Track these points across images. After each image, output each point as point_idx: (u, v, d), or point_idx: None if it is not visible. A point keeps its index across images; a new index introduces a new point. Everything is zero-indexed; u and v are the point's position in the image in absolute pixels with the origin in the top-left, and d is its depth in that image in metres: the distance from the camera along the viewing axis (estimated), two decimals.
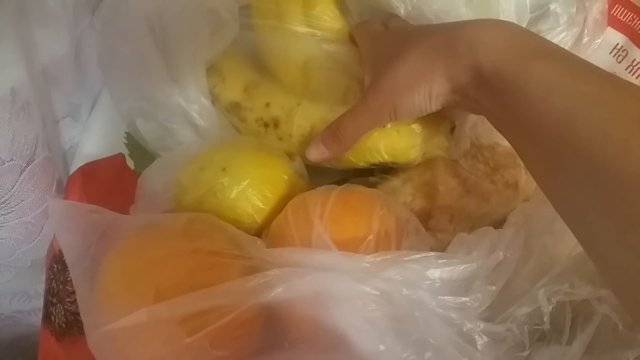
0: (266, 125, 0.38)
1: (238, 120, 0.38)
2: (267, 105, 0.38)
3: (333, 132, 0.34)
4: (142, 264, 0.27)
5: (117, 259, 0.27)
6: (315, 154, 0.34)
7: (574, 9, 0.34)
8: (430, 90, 0.30)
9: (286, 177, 0.34)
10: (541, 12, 0.35)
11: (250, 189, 0.32)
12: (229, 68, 0.39)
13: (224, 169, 0.32)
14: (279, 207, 0.32)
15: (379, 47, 0.35)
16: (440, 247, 0.36)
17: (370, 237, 0.29)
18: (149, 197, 0.32)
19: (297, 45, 0.39)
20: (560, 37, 0.36)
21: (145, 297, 0.25)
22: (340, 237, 0.29)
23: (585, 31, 0.36)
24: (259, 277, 0.26)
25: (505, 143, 0.40)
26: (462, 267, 0.28)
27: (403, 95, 0.31)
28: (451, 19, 0.35)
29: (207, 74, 0.38)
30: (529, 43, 0.27)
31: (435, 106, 0.31)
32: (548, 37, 0.36)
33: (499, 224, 0.36)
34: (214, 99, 0.38)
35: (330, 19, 0.41)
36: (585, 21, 0.35)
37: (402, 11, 0.37)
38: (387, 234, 0.30)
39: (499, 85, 0.27)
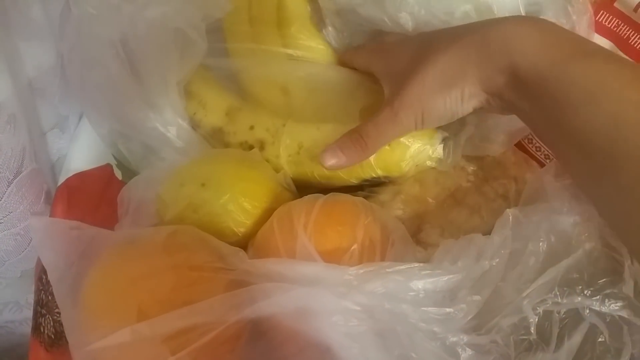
0: (251, 148, 0.38)
1: (222, 145, 0.38)
2: (251, 128, 0.38)
3: (354, 139, 0.33)
4: (123, 282, 0.27)
5: (98, 277, 0.27)
6: (331, 160, 0.33)
7: (564, 20, 0.34)
8: (463, 92, 0.29)
9: (269, 190, 0.34)
10: None
11: (231, 203, 0.32)
12: (208, 94, 0.39)
13: (203, 185, 0.32)
14: (263, 219, 0.32)
15: (397, 57, 0.34)
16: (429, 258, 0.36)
17: (355, 246, 0.29)
18: (132, 214, 0.32)
19: (276, 67, 0.39)
20: None
21: (128, 316, 0.25)
22: (325, 247, 0.29)
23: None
24: (242, 292, 0.26)
25: (493, 153, 0.40)
26: (446, 278, 0.28)
27: (433, 100, 0.30)
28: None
29: (187, 100, 0.38)
30: (569, 43, 0.26)
31: (467, 108, 0.30)
32: None
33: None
34: (196, 125, 0.38)
35: (307, 38, 0.41)
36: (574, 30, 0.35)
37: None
38: (371, 243, 0.30)
39: (538, 88, 0.26)
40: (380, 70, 0.35)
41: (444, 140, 0.36)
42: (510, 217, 0.30)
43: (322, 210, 0.30)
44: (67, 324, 0.27)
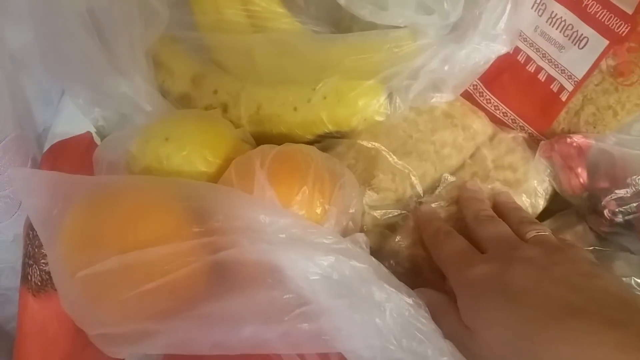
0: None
1: None
2: (215, 92, 0.41)
3: None
4: (105, 217, 0.29)
5: (80, 214, 0.30)
6: None
7: None
8: None
9: (229, 142, 0.37)
10: None
11: (193, 154, 0.35)
12: (175, 63, 0.43)
13: (166, 139, 0.35)
14: (223, 168, 0.35)
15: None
16: (382, 201, 0.40)
17: (305, 188, 0.32)
18: (105, 170, 0.36)
19: (239, 36, 0.42)
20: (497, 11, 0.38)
21: (111, 248, 0.28)
22: (278, 188, 0.32)
23: None
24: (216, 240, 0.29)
25: (440, 104, 0.43)
26: None
27: None
28: None
29: (156, 69, 0.42)
30: None
31: None
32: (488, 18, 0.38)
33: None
34: (165, 93, 0.42)
35: (268, 4, 0.44)
36: None
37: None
38: (321, 185, 0.33)
39: None
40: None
41: (390, 95, 0.39)
42: None
43: (276, 156, 0.34)
44: (52, 262, 0.30)
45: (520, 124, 0.43)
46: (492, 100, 0.44)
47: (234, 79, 0.42)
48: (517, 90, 0.42)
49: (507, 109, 0.43)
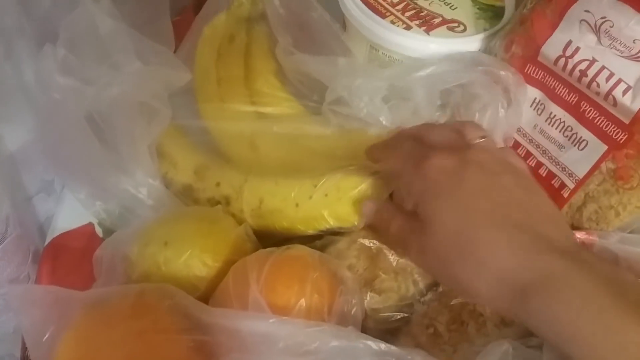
0: (218, 203, 0.41)
1: (192, 202, 0.42)
2: (218, 184, 0.41)
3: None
4: (93, 350, 0.30)
5: (69, 345, 0.30)
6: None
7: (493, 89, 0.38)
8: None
9: (230, 243, 0.37)
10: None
11: (192, 260, 0.35)
12: (178, 154, 0.43)
13: (165, 244, 0.35)
14: (224, 272, 0.35)
15: None
16: (385, 302, 0.39)
17: (302, 301, 0.32)
18: (104, 274, 0.36)
19: (244, 123, 0.43)
20: (490, 111, 0.39)
21: None
22: (275, 301, 0.32)
23: (511, 95, 0.39)
24: None
25: None
26: None
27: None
28: None
29: (159, 160, 0.42)
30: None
31: None
32: (482, 117, 0.39)
33: None
34: (168, 184, 0.42)
35: (272, 90, 0.45)
36: (506, 89, 0.39)
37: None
38: (319, 296, 0.33)
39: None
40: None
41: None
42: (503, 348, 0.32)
43: (273, 265, 0.33)
44: None
45: None
46: None
47: (237, 172, 0.42)
48: None
49: None
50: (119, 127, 0.38)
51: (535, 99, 0.40)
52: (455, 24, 0.42)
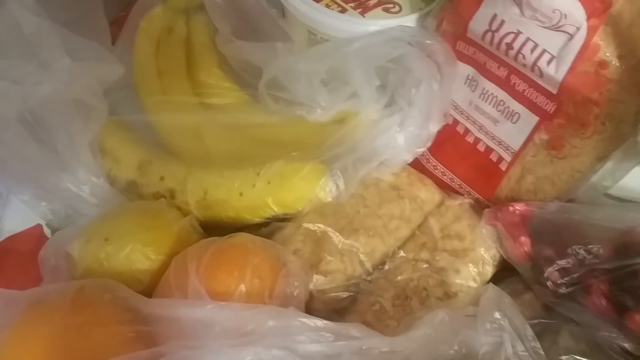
0: (164, 197, 0.41)
1: (137, 198, 0.42)
2: (162, 178, 0.41)
3: None
4: (33, 346, 0.30)
5: (9, 342, 0.30)
6: None
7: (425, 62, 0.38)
8: None
9: (173, 236, 0.37)
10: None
11: (134, 254, 0.35)
12: (121, 149, 0.43)
13: (106, 239, 0.36)
14: (167, 264, 0.35)
15: None
16: (331, 284, 0.40)
17: (242, 286, 0.33)
18: (49, 273, 0.36)
19: (187, 116, 0.43)
20: (424, 85, 0.40)
21: None
22: (215, 288, 0.32)
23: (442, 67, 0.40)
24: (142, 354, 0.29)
25: (387, 178, 0.44)
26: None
27: None
28: None
29: (102, 157, 0.42)
30: None
31: None
32: (417, 92, 0.39)
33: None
34: (112, 181, 0.42)
35: (216, 81, 0.45)
36: (437, 62, 0.40)
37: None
38: (260, 281, 0.33)
39: None
40: None
41: (334, 176, 0.40)
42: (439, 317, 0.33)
43: (213, 254, 0.34)
44: None
45: (467, 190, 0.44)
46: (438, 167, 0.45)
47: (181, 165, 0.42)
48: (460, 159, 0.43)
49: (453, 175, 0.44)
50: (54, 125, 0.38)
51: (468, 75, 0.40)
52: (391, 5, 0.42)
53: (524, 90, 0.37)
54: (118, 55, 0.45)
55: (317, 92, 0.40)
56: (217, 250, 0.34)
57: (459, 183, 0.44)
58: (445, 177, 0.45)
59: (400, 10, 0.42)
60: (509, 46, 0.37)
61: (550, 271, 0.37)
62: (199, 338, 0.30)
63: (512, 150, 0.40)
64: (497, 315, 0.32)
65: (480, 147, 0.41)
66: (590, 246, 0.37)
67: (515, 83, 0.38)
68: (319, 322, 0.31)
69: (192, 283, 0.32)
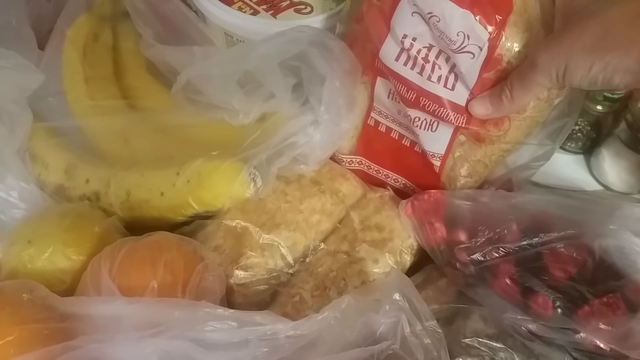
0: (89, 200, 0.44)
1: (65, 201, 0.45)
2: (87, 181, 0.44)
3: (501, 88, 0.35)
4: None
5: None
6: (480, 109, 0.36)
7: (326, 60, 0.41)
8: (619, 64, 0.28)
9: (94, 236, 0.40)
10: None
11: (55, 255, 0.38)
12: (49, 154, 0.45)
13: (29, 242, 0.38)
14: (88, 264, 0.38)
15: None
16: (253, 277, 0.42)
17: (153, 282, 0.35)
18: None
19: (113, 120, 0.46)
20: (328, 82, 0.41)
21: None
22: (129, 285, 0.35)
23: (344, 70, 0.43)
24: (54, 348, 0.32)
25: (308, 173, 0.46)
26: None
27: (580, 58, 0.29)
28: None
29: (32, 163, 0.45)
30: None
31: (617, 83, 0.29)
32: (323, 90, 0.41)
33: None
34: (42, 185, 0.45)
35: (143, 84, 0.48)
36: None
37: None
38: (173, 277, 0.36)
39: None
40: (559, 6, 0.34)
41: (252, 173, 0.43)
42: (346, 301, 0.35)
43: (127, 252, 0.36)
44: None
45: (411, 186, 0.47)
46: (381, 171, 0.48)
47: (106, 167, 0.45)
48: (400, 160, 0.46)
49: (397, 176, 0.48)
50: None
51: (390, 90, 0.43)
52: (303, 6, 0.45)
53: (434, 110, 0.40)
54: (47, 63, 0.48)
55: (232, 95, 0.42)
56: (131, 249, 0.37)
57: (403, 182, 0.48)
58: (389, 179, 0.48)
59: (312, 11, 0.45)
60: (425, 60, 0.39)
61: (458, 250, 0.40)
62: (110, 332, 0.33)
63: (439, 155, 0.43)
64: (396, 296, 0.35)
65: (418, 149, 0.44)
66: (498, 229, 0.40)
67: (425, 104, 0.40)
68: (224, 312, 0.34)
69: (105, 281, 0.35)
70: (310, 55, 0.39)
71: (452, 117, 0.40)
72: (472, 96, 0.39)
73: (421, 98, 0.40)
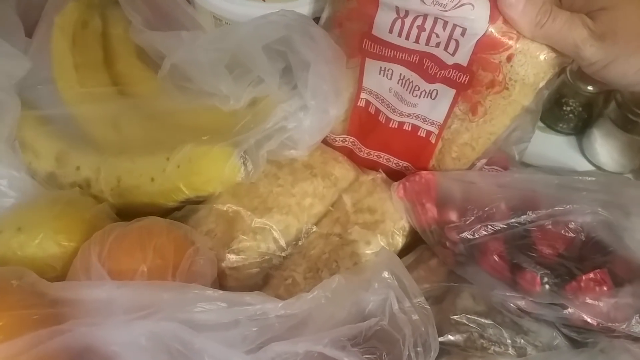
0: (80, 187, 0.44)
1: (57, 188, 0.44)
2: (78, 168, 0.44)
3: (544, 4, 0.35)
4: None
5: None
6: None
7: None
8: None
9: (85, 222, 0.39)
10: None
11: (46, 242, 0.38)
12: (39, 142, 0.45)
13: (19, 229, 0.38)
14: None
15: None
16: (245, 261, 0.42)
17: (143, 266, 0.35)
18: None
19: (104, 106, 0.45)
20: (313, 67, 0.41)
21: None
22: (118, 270, 0.35)
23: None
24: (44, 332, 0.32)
25: (300, 157, 0.46)
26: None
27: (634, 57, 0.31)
28: None
29: (23, 151, 0.44)
30: None
31: None
32: (309, 75, 0.41)
33: None
34: (33, 173, 0.45)
35: (133, 70, 0.47)
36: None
37: None
38: (162, 261, 0.36)
39: None
40: None
41: (243, 157, 0.43)
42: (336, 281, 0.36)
43: (117, 237, 0.37)
44: None
45: (404, 165, 0.47)
46: (372, 153, 0.48)
47: (96, 154, 0.45)
48: (390, 141, 0.46)
49: (390, 156, 0.47)
50: None
51: (381, 67, 0.42)
52: None
53: (437, 72, 0.40)
54: (35, 51, 0.48)
55: (221, 80, 0.42)
56: (121, 234, 0.37)
57: (395, 162, 0.48)
58: (381, 159, 0.48)
59: None
60: (421, 29, 0.38)
61: (448, 229, 0.40)
62: (100, 315, 0.33)
63: (438, 123, 0.43)
64: (385, 274, 0.35)
65: (407, 127, 0.44)
66: (487, 208, 0.40)
67: (428, 67, 0.40)
68: (213, 293, 0.34)
69: (94, 265, 0.35)
70: (293, 41, 0.39)
71: (454, 76, 0.40)
72: (473, 56, 0.38)
73: (425, 60, 0.40)
